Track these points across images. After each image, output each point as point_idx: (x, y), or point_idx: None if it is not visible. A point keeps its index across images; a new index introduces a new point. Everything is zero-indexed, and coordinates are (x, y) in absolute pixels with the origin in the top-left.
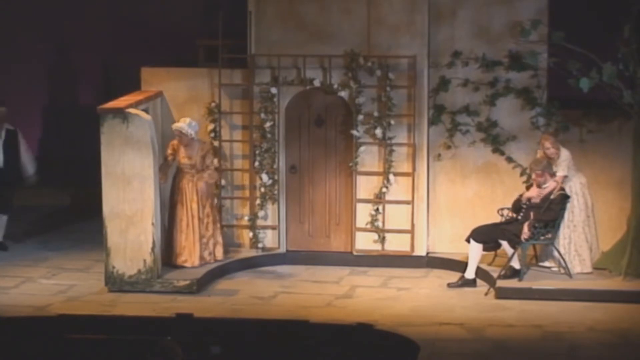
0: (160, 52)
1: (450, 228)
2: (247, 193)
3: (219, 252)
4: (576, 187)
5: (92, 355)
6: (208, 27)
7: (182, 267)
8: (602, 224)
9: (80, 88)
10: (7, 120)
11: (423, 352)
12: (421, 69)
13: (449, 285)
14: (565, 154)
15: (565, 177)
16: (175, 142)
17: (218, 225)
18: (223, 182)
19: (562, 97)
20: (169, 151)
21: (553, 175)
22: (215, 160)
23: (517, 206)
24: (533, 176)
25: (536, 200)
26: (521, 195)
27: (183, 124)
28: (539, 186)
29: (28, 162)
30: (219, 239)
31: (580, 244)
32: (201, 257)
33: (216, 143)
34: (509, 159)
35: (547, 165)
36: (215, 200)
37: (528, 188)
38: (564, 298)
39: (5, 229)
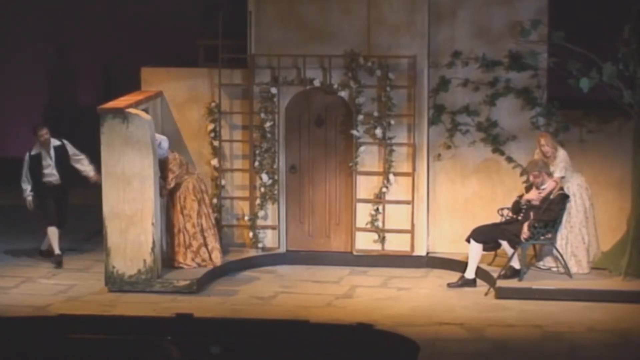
0: (160, 52)
1: (450, 228)
2: (247, 193)
3: (217, 258)
4: (573, 188)
5: (92, 355)
6: (208, 27)
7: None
8: (602, 224)
9: (80, 88)
10: (50, 137)
11: (423, 352)
12: (421, 69)
13: (449, 285)
14: (562, 155)
15: (563, 177)
16: None
17: (213, 231)
18: (223, 182)
19: (562, 97)
20: None
21: (550, 175)
22: (171, 176)
23: (516, 208)
24: (531, 178)
25: (535, 201)
26: (520, 197)
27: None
28: (537, 187)
29: (83, 165)
30: (216, 244)
31: (576, 245)
32: (195, 263)
33: (216, 143)
34: (509, 159)
35: (544, 166)
36: (215, 200)
37: (527, 189)
38: (564, 298)
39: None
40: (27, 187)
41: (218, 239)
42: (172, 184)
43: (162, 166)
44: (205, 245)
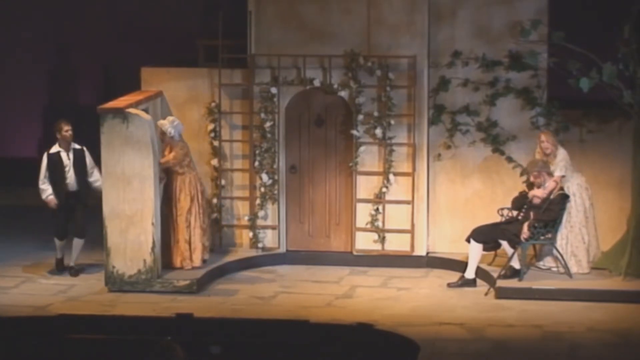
0: (160, 52)
1: (450, 228)
2: (247, 193)
3: (197, 259)
4: (573, 188)
5: (92, 355)
6: (208, 27)
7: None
8: (602, 224)
9: (80, 88)
10: (73, 139)
11: (423, 352)
12: (421, 69)
13: (449, 285)
14: (562, 154)
15: (563, 177)
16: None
17: (199, 230)
18: (223, 182)
19: (562, 97)
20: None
21: (551, 174)
22: (173, 156)
23: (517, 203)
24: (531, 178)
25: (538, 199)
26: (524, 192)
27: (165, 122)
28: (538, 187)
29: (94, 176)
30: (199, 244)
31: (576, 244)
32: (177, 261)
33: (216, 143)
34: (509, 159)
35: (543, 165)
36: (215, 200)
37: (528, 187)
38: (564, 298)
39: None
40: (47, 188)
41: (204, 240)
42: (169, 164)
43: (170, 147)
44: (189, 242)
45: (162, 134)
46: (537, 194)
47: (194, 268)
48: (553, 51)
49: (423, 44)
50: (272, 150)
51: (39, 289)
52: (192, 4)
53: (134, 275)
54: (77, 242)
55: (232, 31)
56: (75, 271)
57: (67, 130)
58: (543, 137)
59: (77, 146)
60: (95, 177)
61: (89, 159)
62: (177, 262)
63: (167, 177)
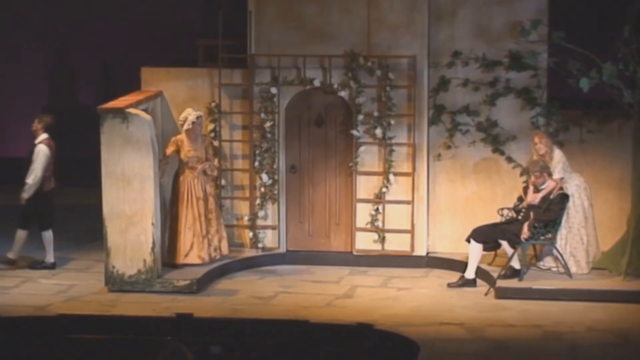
0: (160, 52)
1: (450, 228)
2: (247, 193)
3: (225, 247)
4: (572, 188)
5: (92, 355)
6: (208, 27)
7: (185, 265)
8: (602, 224)
9: (80, 88)
10: (44, 132)
11: (423, 352)
12: (421, 69)
13: (449, 285)
14: (558, 155)
15: (562, 178)
16: (180, 137)
17: (221, 220)
18: (223, 182)
19: (562, 97)
20: (172, 148)
21: (551, 175)
22: (216, 161)
23: (516, 211)
24: (532, 178)
25: (536, 202)
26: (519, 200)
27: (201, 113)
28: (537, 188)
29: (28, 174)
30: (224, 233)
31: (575, 245)
32: (208, 254)
33: (216, 143)
34: (509, 159)
35: (545, 166)
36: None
37: (524, 189)
38: (564, 298)
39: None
40: None
41: (224, 230)
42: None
43: (198, 141)
44: (219, 233)
45: (200, 125)
46: (530, 201)
47: (222, 257)
48: (553, 51)
49: (423, 44)
50: (272, 150)
51: (39, 289)
52: (192, 4)
53: (134, 275)
54: (43, 236)
55: (232, 31)
56: (41, 267)
57: (34, 124)
58: (536, 139)
59: (39, 140)
60: (28, 178)
61: (35, 156)
62: (205, 257)
63: (187, 173)
